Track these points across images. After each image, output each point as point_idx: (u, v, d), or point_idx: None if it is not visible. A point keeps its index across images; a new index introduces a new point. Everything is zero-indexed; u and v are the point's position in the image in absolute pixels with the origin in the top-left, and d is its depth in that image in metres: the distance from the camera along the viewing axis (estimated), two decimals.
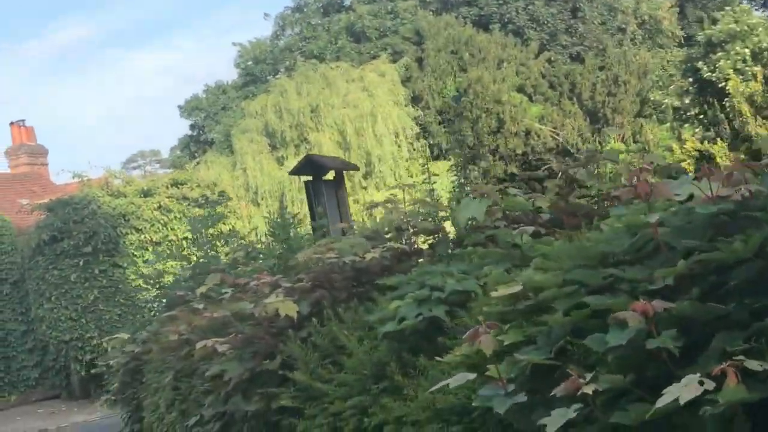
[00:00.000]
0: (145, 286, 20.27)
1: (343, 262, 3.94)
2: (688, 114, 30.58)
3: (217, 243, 8.28)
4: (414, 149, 34.98)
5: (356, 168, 11.00)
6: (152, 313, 8.10)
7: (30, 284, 21.06)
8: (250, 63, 42.14)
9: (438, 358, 2.97)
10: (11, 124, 28.07)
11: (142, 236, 20.67)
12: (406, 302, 3.30)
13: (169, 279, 8.39)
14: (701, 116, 29.27)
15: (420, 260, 3.96)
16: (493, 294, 2.76)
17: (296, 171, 9.42)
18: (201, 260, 8.09)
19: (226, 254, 8.27)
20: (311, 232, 9.59)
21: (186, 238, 21.09)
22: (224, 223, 21.73)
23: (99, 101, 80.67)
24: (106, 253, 20.40)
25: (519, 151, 35.22)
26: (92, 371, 20.04)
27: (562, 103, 35.73)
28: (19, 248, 22.28)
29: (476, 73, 36.20)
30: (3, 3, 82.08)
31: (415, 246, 4.08)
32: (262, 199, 29.76)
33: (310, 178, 9.64)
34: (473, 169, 35.84)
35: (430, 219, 4.56)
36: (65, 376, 22.43)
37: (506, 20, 39.80)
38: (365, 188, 33.25)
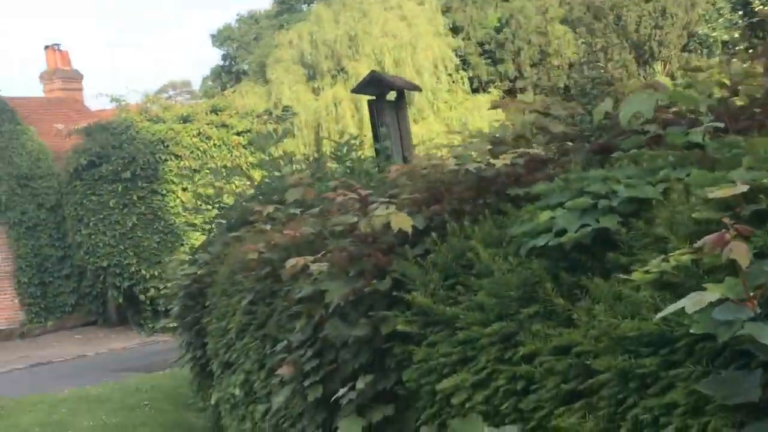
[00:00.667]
0: (183, 213, 20.00)
1: (466, 170, 3.40)
2: (737, 48, 29.48)
3: (281, 162, 7.78)
4: (453, 81, 34.15)
5: (419, 89, 10.37)
6: (211, 235, 7.63)
7: (67, 209, 20.77)
8: None
9: (623, 276, 2.45)
10: (46, 48, 27.54)
11: (181, 163, 20.24)
12: (565, 212, 2.77)
13: (229, 200, 7.93)
14: (751, 51, 28.24)
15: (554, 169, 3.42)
16: (710, 195, 2.23)
17: (359, 89, 8.85)
18: (265, 180, 7.61)
19: (291, 173, 7.79)
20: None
21: (225, 166, 20.66)
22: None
23: (127, 32, 79.70)
24: (144, 179, 20.02)
25: (561, 85, 34.40)
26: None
27: (606, 35, 34.71)
28: (56, 173, 21.96)
29: (519, 3, 35.19)
30: None
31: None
32: (298, 129, 29.17)
33: (372, 97, 9.05)
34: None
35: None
36: (101, 303, 22.29)
37: None
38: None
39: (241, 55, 48.90)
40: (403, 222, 3.52)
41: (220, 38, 49.08)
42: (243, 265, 5.46)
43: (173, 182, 20.21)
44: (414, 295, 3.38)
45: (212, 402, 6.09)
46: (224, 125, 21.00)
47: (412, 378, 3.44)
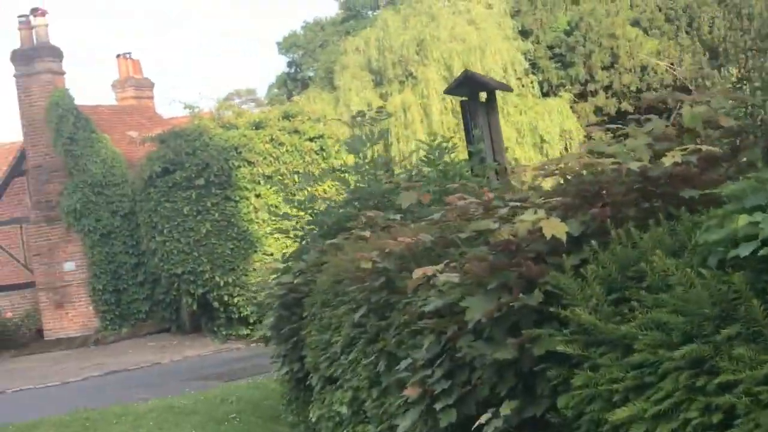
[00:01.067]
0: (256, 220, 19.85)
1: (628, 170, 3.02)
2: None
3: (370, 166, 7.46)
4: (523, 85, 33.58)
5: (511, 89, 9.97)
6: (303, 242, 7.32)
7: (142, 216, 20.78)
8: None
9: None
10: (118, 56, 27.77)
11: (254, 169, 20.10)
12: None
13: (321, 205, 7.61)
14: None
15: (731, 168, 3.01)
16: None
17: (452, 90, 8.52)
18: (358, 185, 7.30)
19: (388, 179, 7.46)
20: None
21: (297, 172, 20.52)
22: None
23: (188, 40, 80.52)
24: (218, 186, 19.94)
25: (633, 88, 33.63)
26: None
27: (679, 37, 33.86)
28: (130, 180, 22.02)
29: (589, 6, 34.53)
30: None
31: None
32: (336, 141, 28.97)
33: (464, 98, 8.70)
34: (585, 106, 34.37)
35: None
36: (175, 310, 22.27)
37: None
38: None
39: (306, 62, 48.89)
40: (556, 228, 3.15)
41: (286, 45, 49.14)
42: (350, 275, 5.14)
43: (246, 189, 20.10)
44: (576, 311, 3.01)
45: (313, 418, 5.78)
46: (296, 131, 20.84)
47: (569, 405, 3.07)
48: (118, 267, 22.26)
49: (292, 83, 48.89)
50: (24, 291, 23.27)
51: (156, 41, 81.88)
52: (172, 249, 20.06)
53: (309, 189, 8.16)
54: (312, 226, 7.30)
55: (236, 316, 20.17)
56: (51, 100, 22.00)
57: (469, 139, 8.56)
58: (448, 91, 8.58)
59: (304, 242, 7.27)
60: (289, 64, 49.55)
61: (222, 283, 19.89)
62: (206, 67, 78.62)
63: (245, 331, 20.25)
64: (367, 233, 6.26)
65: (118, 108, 25.63)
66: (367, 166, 7.58)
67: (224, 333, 20.36)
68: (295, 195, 16.76)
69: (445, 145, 8.46)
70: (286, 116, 21.09)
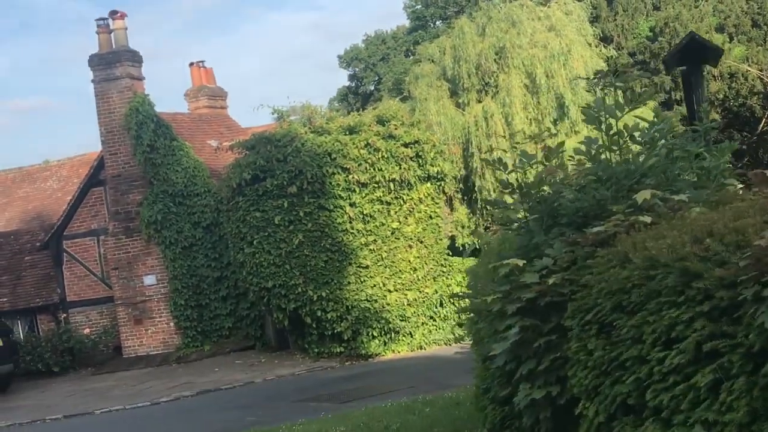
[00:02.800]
0: (351, 231, 18.60)
1: None
2: None
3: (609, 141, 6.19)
4: (606, 93, 32.06)
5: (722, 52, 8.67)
6: (516, 233, 6.01)
7: (228, 227, 19.63)
8: (419, 7, 40.03)
9: None
10: (191, 65, 26.87)
11: (349, 176, 18.91)
12: None
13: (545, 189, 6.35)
14: None
15: None
16: None
17: (673, 58, 7.24)
18: (607, 163, 6.06)
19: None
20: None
21: (393, 180, 19.34)
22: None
23: (242, 58, 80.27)
24: (311, 194, 18.77)
25: (721, 96, 32.15)
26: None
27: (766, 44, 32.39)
28: (213, 190, 20.96)
29: (673, 11, 33.14)
30: None
31: None
32: (445, 144, 27.73)
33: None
34: (671, 114, 32.88)
35: None
36: (260, 326, 21.11)
37: None
38: (555, 134, 30.53)
39: (368, 75, 48.08)
40: None
41: (347, 59, 48.42)
42: (680, 265, 3.86)
43: (340, 197, 18.91)
44: None
45: None
46: (391, 136, 19.65)
47: None
48: (200, 281, 21.16)
49: (353, 97, 48.07)
50: (102, 306, 22.26)
51: (210, 50, 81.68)
52: (262, 261, 18.89)
53: (526, 170, 6.97)
54: (534, 216, 6.02)
55: (329, 333, 18.93)
56: (131, 107, 21.04)
57: (693, 116, 7.23)
58: (669, 60, 7.31)
59: (517, 235, 6.01)
60: (351, 78, 48.82)
61: (315, 298, 18.67)
62: (266, 81, 78.22)
63: (339, 349, 19.02)
64: (647, 218, 5.00)
65: (195, 116, 24.65)
66: (605, 141, 6.31)
67: (316, 351, 19.14)
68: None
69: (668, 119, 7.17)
70: (380, 121, 19.92)
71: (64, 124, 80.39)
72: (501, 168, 6.57)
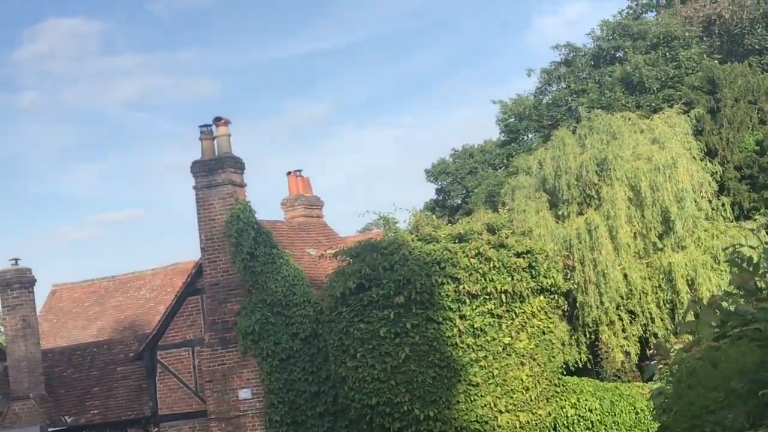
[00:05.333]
0: (461, 344, 17.48)
1: None
2: None
3: None
4: (713, 208, 30.87)
5: None
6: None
7: (330, 339, 18.69)
8: (512, 120, 39.65)
9: None
10: (288, 174, 26.56)
11: (460, 287, 17.92)
12: None
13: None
14: None
15: None
16: None
17: None
18: None
19: None
20: None
21: (505, 291, 18.27)
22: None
23: (327, 173, 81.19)
24: (419, 305, 17.80)
25: None
26: None
27: None
28: (311, 300, 20.14)
29: None
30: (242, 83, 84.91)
31: None
32: (559, 256, 26.63)
33: None
34: None
35: None
36: None
37: None
38: (661, 249, 29.30)
39: (455, 189, 47.76)
40: None
41: (435, 173, 48.30)
42: None
43: (450, 308, 17.90)
44: None
45: None
46: (502, 245, 18.69)
47: None
48: (296, 396, 20.13)
49: (440, 210, 47.57)
50: (194, 421, 21.33)
51: (297, 164, 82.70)
52: (366, 376, 17.85)
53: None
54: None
55: None
56: (232, 213, 20.56)
57: None
58: None
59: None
60: (438, 192, 48.59)
61: (422, 417, 17.48)
62: (350, 196, 78.69)
63: None
64: None
65: (293, 224, 24.12)
66: None
67: None
68: None
69: None
70: (491, 229, 19.03)
71: (151, 237, 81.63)
72: (740, 269, 5.54)
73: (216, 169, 20.96)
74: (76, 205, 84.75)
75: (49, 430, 19.73)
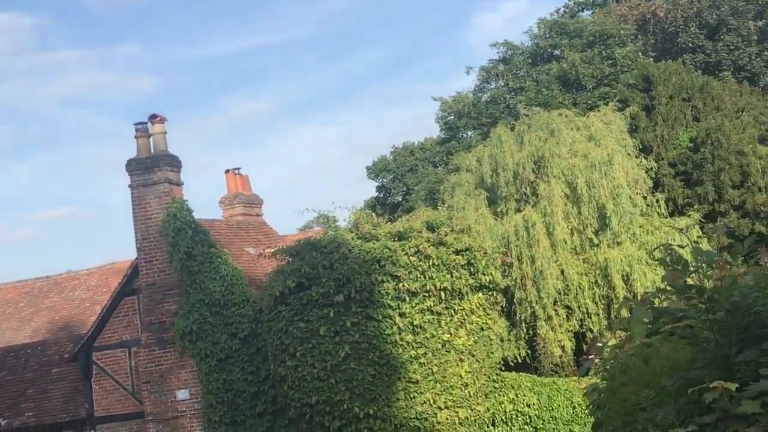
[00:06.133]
0: (400, 342, 17.51)
1: None
2: None
3: None
4: (648, 204, 31.40)
5: None
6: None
7: (269, 338, 18.57)
8: (451, 117, 39.83)
9: None
10: (227, 172, 26.30)
11: (399, 284, 17.94)
12: None
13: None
14: None
15: None
16: None
17: None
18: None
19: None
20: None
21: (445, 289, 18.33)
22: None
23: (269, 170, 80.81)
24: (359, 303, 17.77)
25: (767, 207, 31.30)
26: None
27: None
28: (250, 300, 19.97)
29: (715, 122, 32.65)
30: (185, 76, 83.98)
31: None
32: (497, 253, 26.78)
33: None
34: (714, 227, 32.05)
35: None
36: None
37: (739, 66, 36.19)
38: (597, 245, 29.70)
39: (396, 186, 47.84)
40: None
41: (376, 170, 48.30)
42: None
43: (390, 306, 17.90)
44: None
45: None
46: (441, 243, 18.76)
47: None
48: (235, 396, 19.95)
49: (381, 207, 47.62)
50: (131, 422, 21.02)
51: (238, 162, 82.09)
52: (305, 375, 17.78)
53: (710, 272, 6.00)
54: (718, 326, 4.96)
55: None
56: (168, 212, 20.29)
57: None
58: None
59: (702, 351, 4.95)
60: (378, 189, 48.60)
61: (362, 415, 17.46)
62: (293, 192, 78.40)
63: None
64: None
65: (232, 223, 23.89)
66: None
67: None
68: None
69: None
70: (430, 227, 19.08)
71: (87, 235, 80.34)
72: (671, 267, 5.58)
73: (152, 168, 20.66)
74: (10, 204, 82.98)
75: None
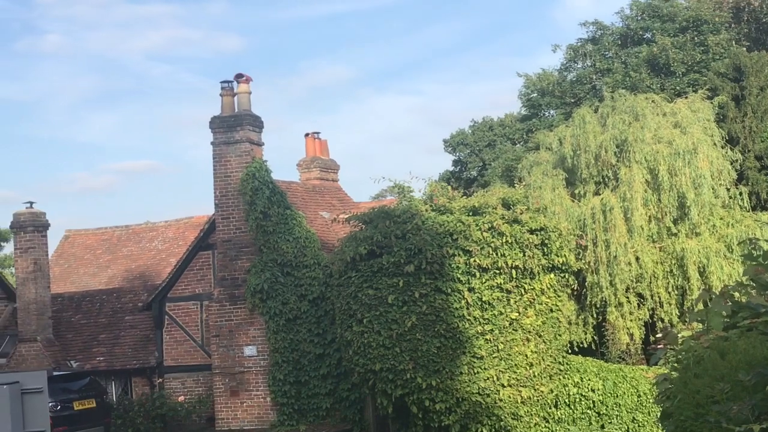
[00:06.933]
0: (468, 317, 17.50)
1: None
2: None
3: None
4: (731, 197, 30.63)
5: None
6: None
7: (337, 303, 18.75)
8: (535, 95, 39.35)
9: None
10: (306, 135, 26.49)
11: (471, 259, 17.89)
12: None
13: None
14: None
15: None
16: None
17: None
18: None
19: None
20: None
21: (516, 267, 18.22)
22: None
23: (345, 136, 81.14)
24: (429, 274, 17.79)
25: None
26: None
27: None
28: (322, 263, 20.17)
29: None
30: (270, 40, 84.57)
31: None
32: (572, 235, 26.47)
33: None
34: None
35: None
36: (359, 410, 19.99)
37: None
38: (675, 235, 29.09)
39: (473, 161, 47.54)
40: None
41: (453, 143, 48.04)
42: None
43: (459, 280, 17.88)
44: None
45: None
46: (516, 221, 18.63)
47: None
48: (301, 356, 20.24)
49: (456, 181, 47.45)
50: (198, 374, 21.53)
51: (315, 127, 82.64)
52: (371, 342, 17.90)
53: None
54: None
55: (435, 425, 17.73)
56: (248, 171, 20.55)
57: None
58: None
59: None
60: (455, 163, 48.35)
61: (424, 386, 17.54)
62: (367, 160, 78.67)
63: None
64: None
65: (309, 186, 24.10)
66: None
67: None
68: None
69: None
70: (505, 204, 18.96)
71: (165, 189, 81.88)
72: (755, 262, 5.48)
73: (234, 126, 20.92)
74: (92, 152, 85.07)
75: (54, 373, 19.91)
